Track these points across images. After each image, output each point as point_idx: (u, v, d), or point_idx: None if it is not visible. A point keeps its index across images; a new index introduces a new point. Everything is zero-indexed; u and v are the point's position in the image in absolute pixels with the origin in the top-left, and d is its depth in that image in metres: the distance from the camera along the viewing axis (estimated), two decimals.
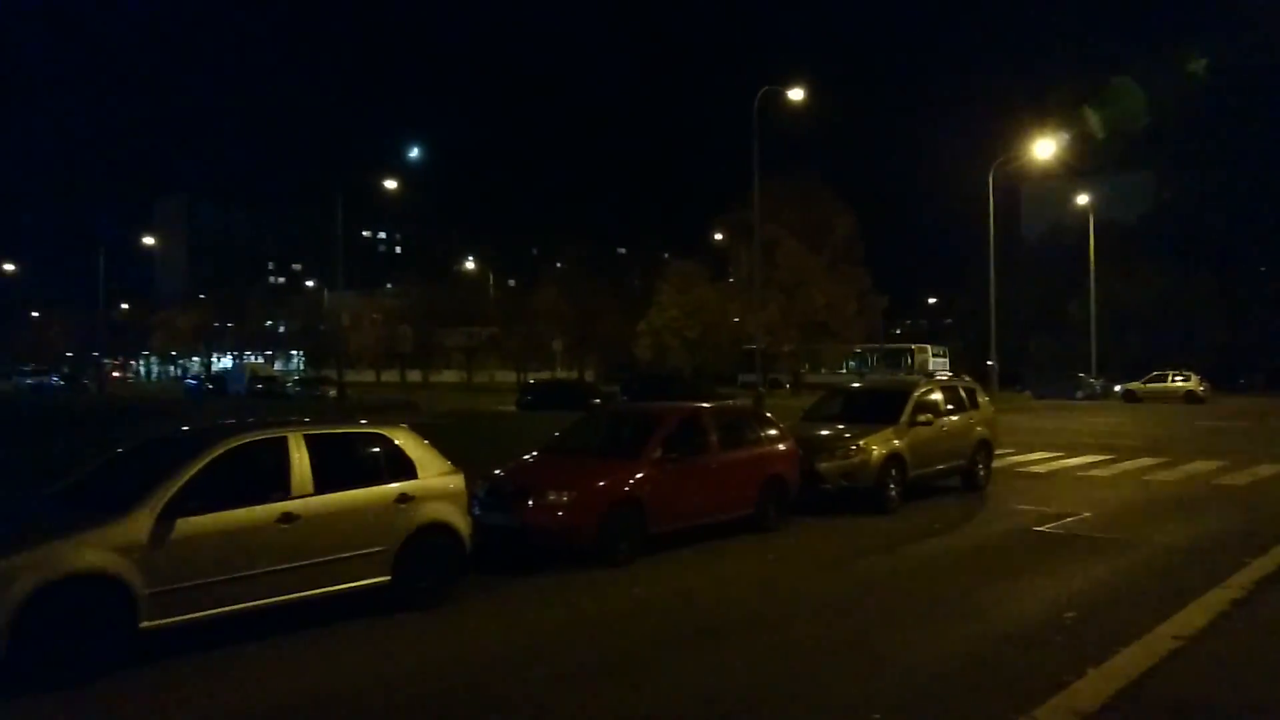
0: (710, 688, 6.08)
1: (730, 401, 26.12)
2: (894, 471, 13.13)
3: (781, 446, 12.18)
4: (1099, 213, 60.07)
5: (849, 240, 63.97)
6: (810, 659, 6.67)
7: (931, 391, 14.74)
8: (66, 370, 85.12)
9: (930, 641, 7.03)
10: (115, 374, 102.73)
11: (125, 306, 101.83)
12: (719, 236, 66.09)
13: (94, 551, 6.25)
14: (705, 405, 13.23)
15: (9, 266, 76.16)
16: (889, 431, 13.38)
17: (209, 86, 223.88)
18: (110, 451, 8.32)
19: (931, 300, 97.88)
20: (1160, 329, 62.34)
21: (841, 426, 13.92)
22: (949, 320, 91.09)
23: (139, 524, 6.45)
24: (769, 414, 13.40)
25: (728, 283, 68.29)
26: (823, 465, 12.82)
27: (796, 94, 33.07)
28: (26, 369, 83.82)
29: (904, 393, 14.35)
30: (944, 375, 52.84)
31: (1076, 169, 63.72)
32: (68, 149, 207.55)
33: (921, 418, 13.90)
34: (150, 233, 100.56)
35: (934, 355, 65.27)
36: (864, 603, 8.32)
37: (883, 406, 14.13)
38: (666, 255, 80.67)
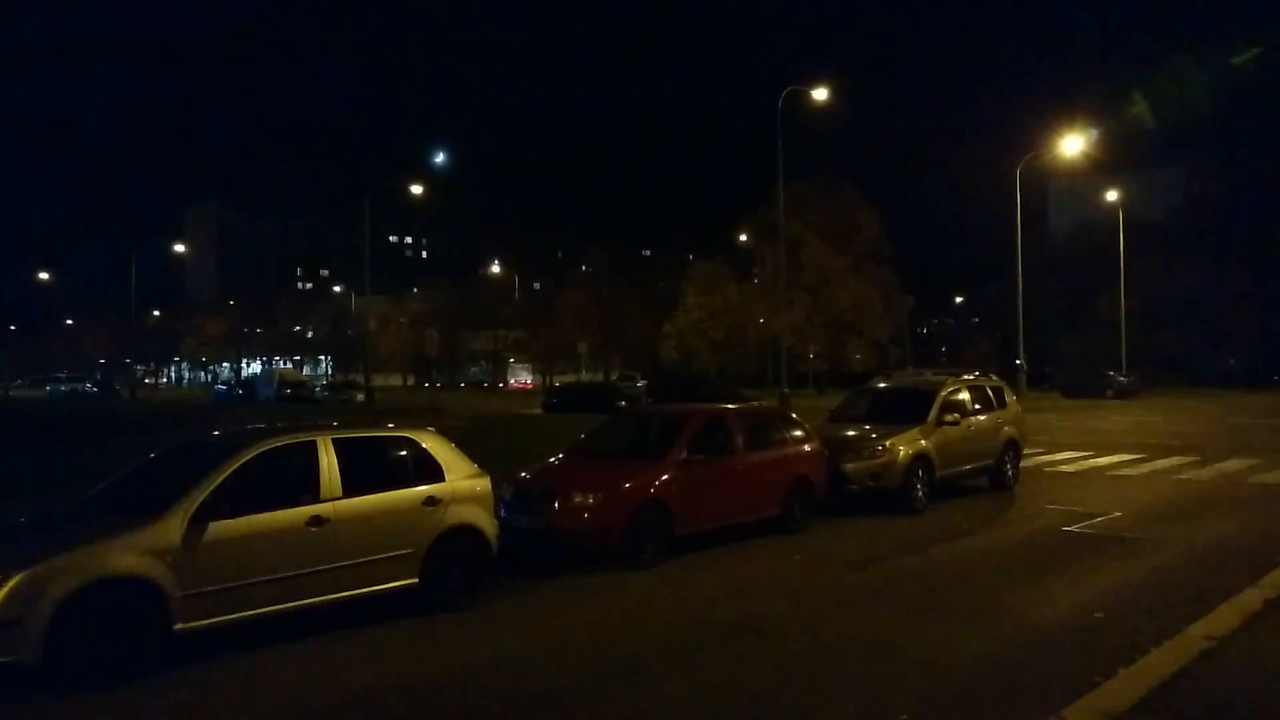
0: (736, 688, 6.09)
1: (756, 403, 26.07)
2: (921, 472, 13.07)
3: (807, 447, 12.15)
4: (1128, 208, 59.45)
5: (874, 240, 63.77)
6: (837, 660, 6.66)
7: (958, 391, 14.64)
8: (99, 377, 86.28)
9: (958, 642, 6.99)
10: (147, 380, 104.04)
11: (157, 313, 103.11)
12: (744, 237, 66.01)
13: (128, 555, 6.34)
14: (731, 407, 13.24)
15: (44, 275, 77.48)
16: (915, 431, 13.32)
17: (237, 93, 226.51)
18: (143, 457, 8.44)
19: (959, 299, 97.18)
20: (1192, 326, 61.58)
21: (868, 427, 13.87)
22: (976, 319, 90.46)
23: (172, 528, 6.55)
24: (795, 414, 13.38)
25: (753, 284, 68.19)
26: (849, 466, 12.78)
27: (820, 94, 33.02)
28: (61, 376, 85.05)
29: (930, 393, 14.26)
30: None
31: (1104, 165, 63.03)
32: (99, 157, 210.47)
33: (949, 417, 13.82)
34: (181, 240, 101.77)
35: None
36: (891, 604, 8.28)
37: (909, 406, 14.06)
38: (691, 257, 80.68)
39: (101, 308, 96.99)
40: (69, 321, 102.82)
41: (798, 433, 12.31)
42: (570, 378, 70.80)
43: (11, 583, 5.91)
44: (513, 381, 61.34)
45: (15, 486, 14.56)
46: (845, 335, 64.12)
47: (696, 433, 10.86)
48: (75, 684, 6.00)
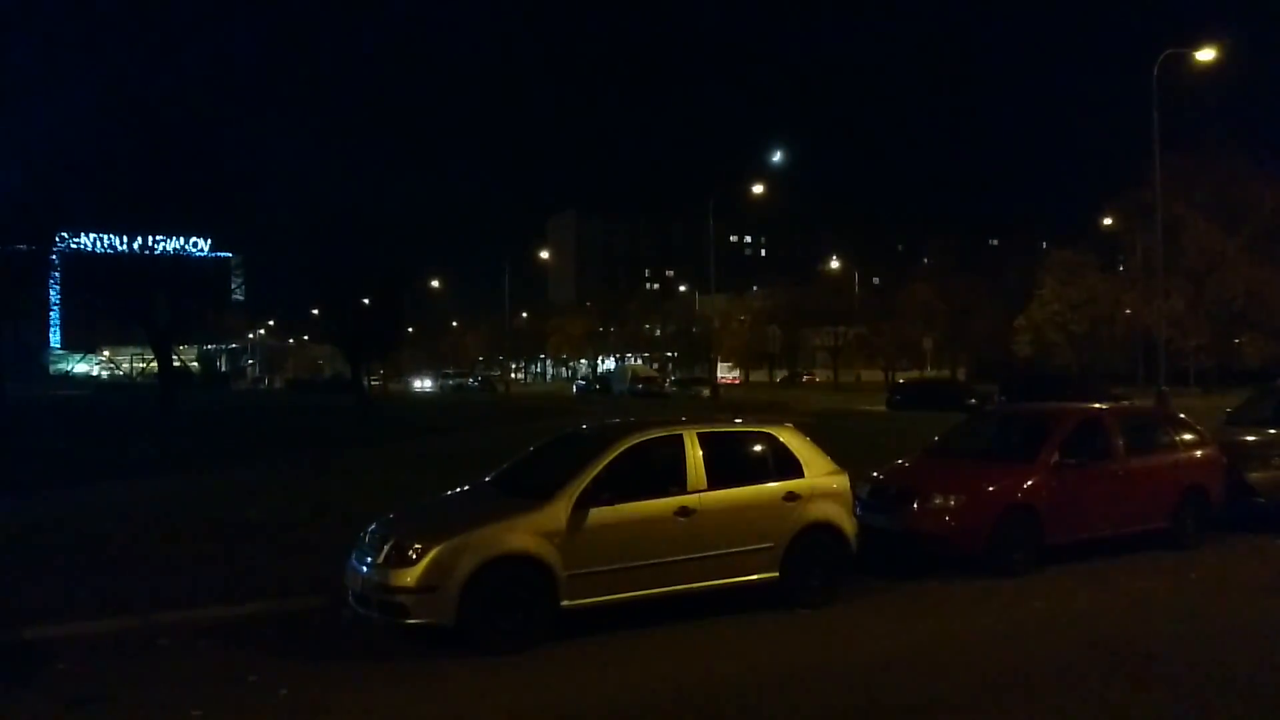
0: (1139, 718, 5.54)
1: (1128, 402, 23.75)
2: None
3: (1201, 453, 10.89)
4: None
5: (1276, 217, 55.44)
6: (1253, 703, 5.82)
7: None
8: (480, 373, 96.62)
9: None
10: (515, 375, 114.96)
11: (525, 315, 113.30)
12: (1108, 221, 60.10)
13: (523, 535, 7.03)
14: (1107, 406, 12.15)
15: (434, 283, 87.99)
16: None
17: (590, 110, 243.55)
18: (527, 446, 9.30)
19: None
20: None
21: (1275, 432, 12.13)
22: None
23: (558, 512, 7.16)
24: (1183, 415, 12.01)
25: (1119, 272, 61.98)
26: (1254, 476, 11.28)
27: (1206, 55, 29.20)
28: (449, 372, 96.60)
29: None
30: None
31: None
32: (473, 177, 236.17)
33: None
34: (544, 247, 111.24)
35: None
36: None
37: None
38: (1045, 244, 75.02)
39: (480, 311, 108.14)
40: (454, 324, 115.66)
41: (1189, 436, 11.06)
42: (914, 374, 68.51)
43: (432, 553, 6.77)
44: None
45: (426, 467, 16.74)
46: (1236, 327, 56.44)
47: (1069, 434, 10.07)
48: (481, 647, 6.72)
